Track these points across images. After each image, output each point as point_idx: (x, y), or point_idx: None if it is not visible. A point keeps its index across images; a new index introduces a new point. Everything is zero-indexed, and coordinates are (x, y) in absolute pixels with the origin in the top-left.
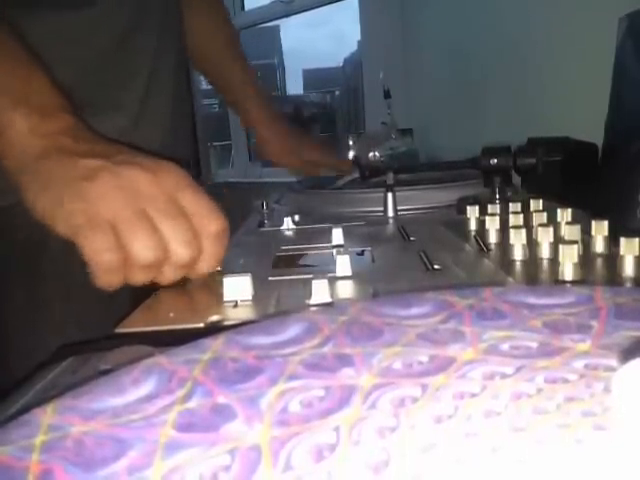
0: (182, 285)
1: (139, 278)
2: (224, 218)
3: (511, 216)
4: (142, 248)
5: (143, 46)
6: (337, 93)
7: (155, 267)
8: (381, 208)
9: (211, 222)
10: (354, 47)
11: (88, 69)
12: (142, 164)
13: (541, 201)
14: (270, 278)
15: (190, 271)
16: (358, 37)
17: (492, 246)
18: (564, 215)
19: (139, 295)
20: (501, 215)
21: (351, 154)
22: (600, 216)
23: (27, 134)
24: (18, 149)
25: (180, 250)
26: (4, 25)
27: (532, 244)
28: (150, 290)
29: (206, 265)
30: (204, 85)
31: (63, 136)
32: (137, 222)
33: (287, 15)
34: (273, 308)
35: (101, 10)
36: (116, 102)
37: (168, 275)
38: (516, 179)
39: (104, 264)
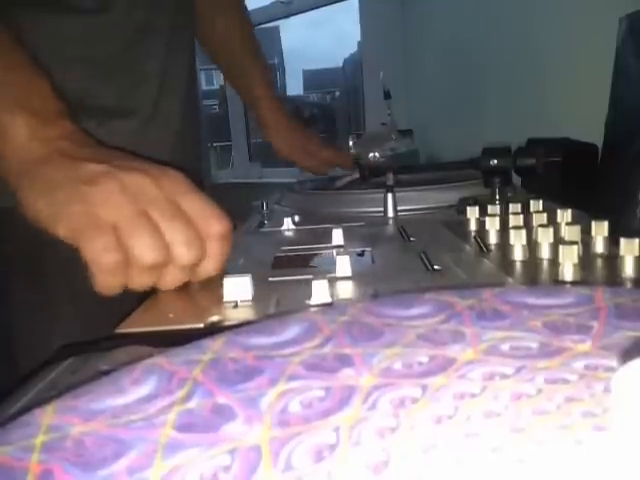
0: (183, 288)
1: (141, 281)
2: (228, 220)
3: (511, 217)
4: (143, 248)
5: (154, 48)
6: (337, 94)
7: (157, 269)
8: (381, 209)
9: (214, 224)
10: (354, 47)
11: (100, 72)
12: (143, 169)
13: (541, 202)
14: (270, 279)
15: (193, 274)
16: (358, 38)
17: (492, 247)
18: (564, 216)
19: (146, 296)
20: (501, 216)
21: (351, 155)
22: (600, 217)
23: (27, 138)
24: (18, 153)
25: (182, 251)
26: (3, 28)
27: (532, 245)
28: (156, 291)
29: (210, 267)
30: (204, 85)
31: (63, 141)
32: (138, 223)
33: (287, 16)
34: (273, 308)
35: (114, 13)
36: (128, 104)
37: (171, 278)
38: (516, 180)
39: (104, 265)
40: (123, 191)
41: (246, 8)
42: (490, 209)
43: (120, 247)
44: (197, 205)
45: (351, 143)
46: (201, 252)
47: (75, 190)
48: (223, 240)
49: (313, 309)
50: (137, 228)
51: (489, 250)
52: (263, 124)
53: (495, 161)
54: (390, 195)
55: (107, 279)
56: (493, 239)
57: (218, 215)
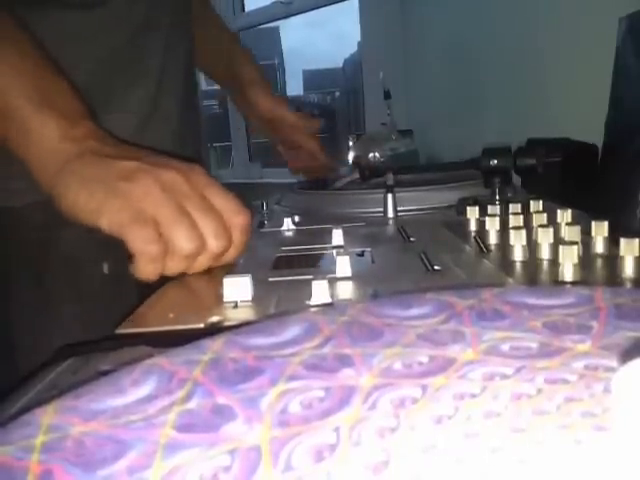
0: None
1: (176, 268)
2: (249, 212)
3: (511, 217)
4: (184, 240)
5: (153, 45)
6: (337, 94)
7: (192, 257)
8: (381, 209)
9: (238, 216)
10: (354, 48)
11: (99, 68)
12: (172, 165)
13: (541, 202)
14: (270, 279)
15: (219, 260)
16: (358, 38)
17: (492, 247)
18: (564, 216)
19: (146, 296)
20: (501, 216)
21: (351, 155)
22: (600, 217)
23: (58, 138)
24: (51, 152)
25: (215, 242)
26: (23, 30)
27: (532, 245)
28: (156, 290)
29: (232, 255)
30: (204, 86)
31: (92, 140)
32: (179, 217)
33: (287, 16)
34: (273, 309)
35: (113, 8)
36: (127, 101)
37: (201, 264)
38: (516, 180)
39: (149, 255)
40: (159, 187)
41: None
42: (490, 209)
43: (161, 239)
44: (223, 199)
45: (351, 143)
46: (229, 242)
47: (113, 186)
48: (245, 230)
49: (313, 309)
50: (176, 221)
51: (489, 250)
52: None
53: (495, 161)
54: (390, 195)
55: (148, 267)
56: (493, 239)
57: (241, 208)
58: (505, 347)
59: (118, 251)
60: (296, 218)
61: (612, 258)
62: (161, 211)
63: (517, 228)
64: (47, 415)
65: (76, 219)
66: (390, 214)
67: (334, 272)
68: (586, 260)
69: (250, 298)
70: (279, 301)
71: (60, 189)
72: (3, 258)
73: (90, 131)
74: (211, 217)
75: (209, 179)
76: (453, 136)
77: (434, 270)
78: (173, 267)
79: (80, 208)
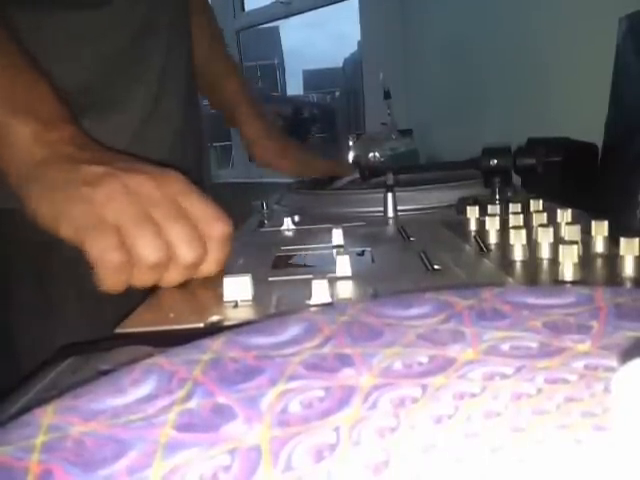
0: (184, 286)
1: (144, 279)
2: (229, 222)
3: (511, 216)
4: (147, 248)
5: (155, 44)
6: (337, 94)
7: (160, 268)
8: (381, 208)
9: (215, 226)
10: (354, 47)
11: (102, 68)
12: (144, 170)
13: (541, 201)
14: (270, 278)
15: (194, 273)
16: (358, 37)
17: (492, 246)
18: (564, 215)
19: (147, 295)
20: (501, 215)
21: (351, 155)
22: (600, 216)
23: (30, 142)
24: (20, 156)
25: (184, 251)
26: (4, 31)
27: (532, 244)
28: (156, 290)
29: (210, 267)
30: None
31: (65, 145)
32: (142, 223)
33: (287, 16)
34: (273, 308)
35: (116, 8)
36: (129, 101)
37: (173, 277)
38: (516, 179)
39: (109, 264)
40: (125, 192)
41: (211, 10)
42: (490, 209)
43: (124, 247)
44: (199, 206)
45: (351, 143)
46: (203, 252)
47: (76, 191)
48: (224, 242)
49: (313, 309)
50: (140, 228)
51: (489, 250)
52: (242, 134)
53: (495, 161)
54: (390, 195)
55: (111, 278)
56: (493, 239)
57: (220, 217)
58: (505, 347)
59: None
60: (296, 218)
61: (612, 257)
62: (123, 217)
63: (517, 228)
64: (47, 415)
65: (41, 226)
66: (390, 214)
67: (334, 272)
68: (586, 260)
69: (250, 298)
70: (279, 301)
71: (24, 194)
72: (5, 258)
73: (67, 135)
74: (180, 224)
75: (185, 186)
76: (453, 136)
77: (434, 270)
78: (141, 278)
79: (42, 215)
